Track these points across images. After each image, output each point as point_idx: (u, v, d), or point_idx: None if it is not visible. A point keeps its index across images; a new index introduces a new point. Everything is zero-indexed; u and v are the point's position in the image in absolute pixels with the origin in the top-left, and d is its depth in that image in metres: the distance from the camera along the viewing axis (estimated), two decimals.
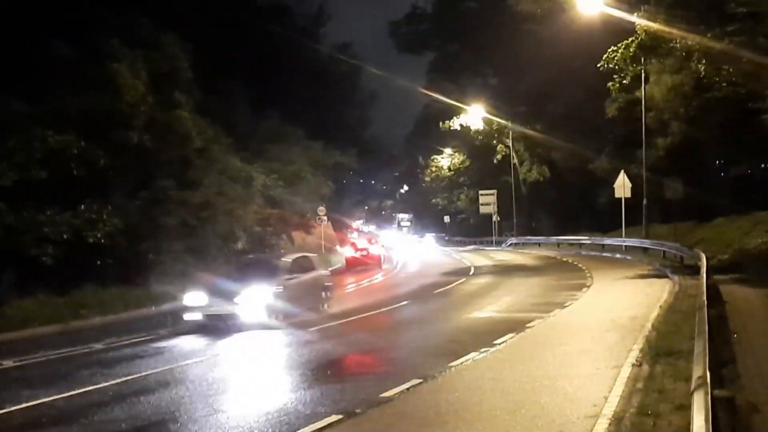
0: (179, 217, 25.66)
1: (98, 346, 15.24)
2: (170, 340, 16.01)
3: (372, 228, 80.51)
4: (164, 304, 22.58)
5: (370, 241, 42.40)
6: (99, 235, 22.06)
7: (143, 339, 16.07)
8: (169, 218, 25.08)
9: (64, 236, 21.10)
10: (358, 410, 8.41)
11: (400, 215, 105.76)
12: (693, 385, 6.02)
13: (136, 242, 24.18)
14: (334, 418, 8.08)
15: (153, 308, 21.57)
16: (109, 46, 23.26)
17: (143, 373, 11.67)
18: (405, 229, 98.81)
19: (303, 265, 19.57)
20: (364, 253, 40.09)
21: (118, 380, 11.17)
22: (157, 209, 24.70)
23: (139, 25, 25.42)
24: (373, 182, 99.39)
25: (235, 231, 30.66)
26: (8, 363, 13.39)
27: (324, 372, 11.14)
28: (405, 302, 21.14)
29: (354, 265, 38.47)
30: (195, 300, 17.06)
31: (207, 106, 29.31)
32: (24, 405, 9.71)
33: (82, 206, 22.00)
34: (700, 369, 6.27)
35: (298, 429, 7.68)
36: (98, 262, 23.06)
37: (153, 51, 25.28)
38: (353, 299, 23.39)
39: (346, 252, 41.71)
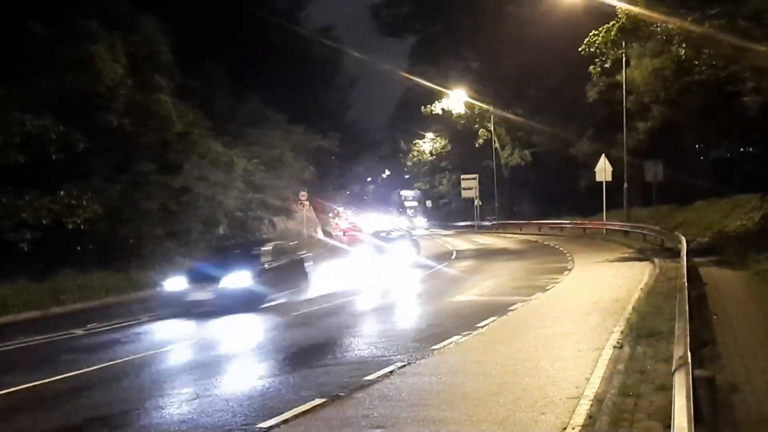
0: (160, 201, 25.52)
1: (78, 331, 15.18)
2: (151, 324, 15.97)
3: (362, 213, 77.07)
4: (145, 289, 22.53)
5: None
6: (78, 221, 21.86)
7: (124, 324, 16.01)
8: (150, 202, 24.92)
9: (43, 221, 20.91)
10: (341, 393, 8.42)
11: (404, 192, 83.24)
12: (674, 365, 6.07)
13: (116, 227, 24.01)
14: (317, 401, 8.09)
15: (134, 294, 21.52)
16: (87, 27, 22.93)
17: (124, 359, 11.63)
18: (411, 212, 76.30)
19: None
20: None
21: (100, 365, 11.12)
22: (137, 193, 24.54)
23: (117, 6, 25.09)
24: (355, 167, 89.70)
25: (216, 216, 30.53)
26: None
27: (307, 356, 11.13)
28: (387, 286, 21.19)
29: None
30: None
31: (187, 89, 29.05)
32: (4, 391, 9.65)
33: (62, 191, 21.76)
34: (681, 349, 6.33)
35: (282, 412, 7.66)
36: (78, 248, 22.93)
37: (132, 33, 24.97)
38: (335, 284, 23.37)
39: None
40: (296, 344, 12.29)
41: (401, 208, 76.33)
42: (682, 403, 4.57)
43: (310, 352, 11.43)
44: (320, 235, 56.41)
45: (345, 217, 67.55)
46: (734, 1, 18.12)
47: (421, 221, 69.15)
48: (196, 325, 15.28)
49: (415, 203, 75.08)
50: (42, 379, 10.21)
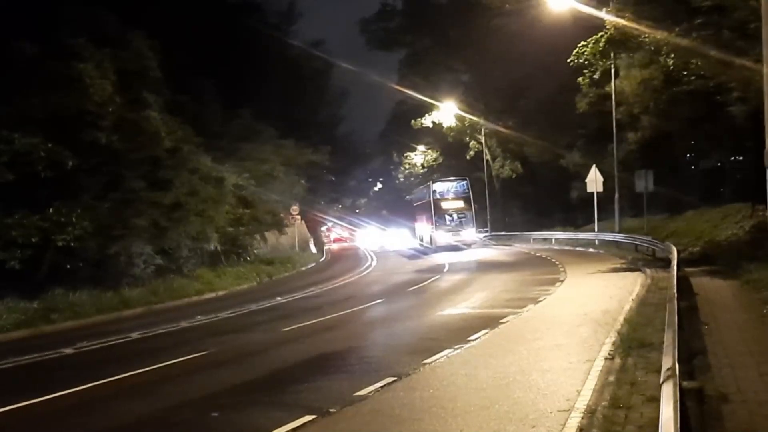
0: (150, 218, 25.49)
1: (68, 350, 15.13)
2: (144, 344, 15.94)
3: (355, 226, 77.56)
4: (136, 307, 22.52)
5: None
6: (68, 238, 21.86)
7: (114, 342, 15.98)
8: (140, 219, 24.88)
9: (33, 239, 20.88)
10: (332, 409, 8.41)
11: (439, 186, 46.40)
12: (662, 376, 6.09)
13: (106, 244, 23.97)
14: (308, 417, 8.07)
15: (125, 312, 21.51)
16: (75, 44, 22.94)
17: (114, 378, 11.59)
18: (452, 223, 44.16)
19: None
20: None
21: (91, 384, 11.07)
22: (127, 210, 24.47)
23: (105, 23, 25.08)
24: (347, 180, 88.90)
25: (207, 231, 30.52)
26: None
27: (298, 371, 11.11)
28: (379, 300, 21.18)
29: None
30: None
31: (177, 104, 29.06)
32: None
33: (51, 209, 21.74)
34: (669, 361, 6.35)
35: (272, 429, 7.64)
36: (68, 266, 22.81)
37: (120, 49, 24.99)
38: (328, 298, 23.38)
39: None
40: (288, 359, 12.26)
41: (436, 216, 44.27)
42: (669, 415, 4.60)
43: (302, 368, 11.38)
44: (313, 248, 56.56)
45: (335, 231, 73.84)
46: (719, 11, 18.26)
47: (473, 234, 45.39)
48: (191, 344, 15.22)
49: (462, 203, 44.90)
50: (35, 398, 10.18)
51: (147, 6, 30.06)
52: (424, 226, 48.15)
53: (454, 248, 41.87)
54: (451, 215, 44.39)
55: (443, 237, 43.59)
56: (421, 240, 49.43)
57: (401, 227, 61.90)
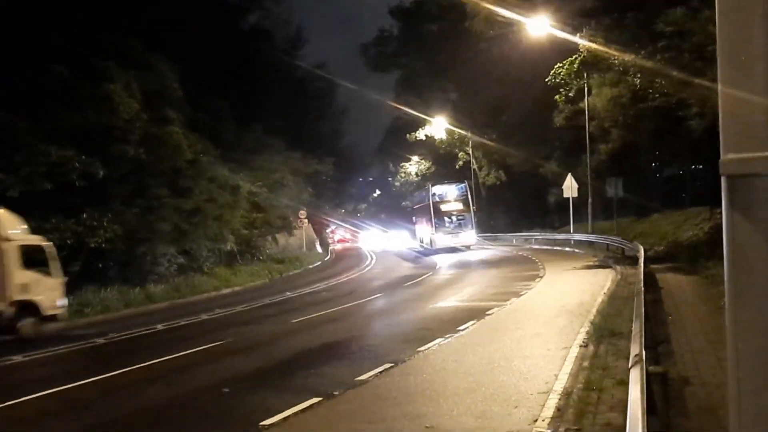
0: (173, 222, 25.54)
1: (100, 341, 15.14)
2: (168, 335, 15.92)
3: (356, 228, 76.94)
4: (161, 302, 22.54)
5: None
6: (100, 240, 21.90)
7: (141, 333, 16.00)
8: (164, 223, 24.95)
9: (68, 242, 20.86)
10: (336, 392, 8.42)
11: (439, 189, 43.08)
12: (630, 362, 6.10)
13: (133, 246, 24.05)
14: (314, 399, 8.08)
15: (151, 306, 21.53)
16: (105, 67, 23.03)
17: (143, 365, 11.59)
18: (451, 225, 41.15)
19: None
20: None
21: (121, 370, 11.07)
22: (152, 215, 24.56)
23: (132, 48, 25.15)
24: (348, 188, 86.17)
25: (224, 234, 30.55)
26: (17, 358, 13.21)
27: (306, 358, 11.11)
28: (378, 294, 21.18)
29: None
30: None
31: (196, 120, 29.15)
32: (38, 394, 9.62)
33: (84, 214, 21.79)
34: (636, 348, 6.35)
35: (281, 411, 7.65)
36: (100, 265, 22.85)
37: (145, 71, 25.07)
38: (332, 293, 23.37)
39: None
40: (296, 347, 12.25)
41: (436, 218, 41.11)
42: (636, 396, 4.60)
43: (308, 355, 11.38)
44: (319, 249, 56.57)
45: (338, 232, 73.03)
46: (680, 35, 18.30)
47: (472, 236, 41.95)
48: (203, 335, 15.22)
49: (461, 206, 41.63)
50: (76, 382, 10.20)
51: (169, 33, 30.08)
52: (424, 228, 45.08)
53: (452, 250, 39.43)
54: (450, 217, 41.33)
55: (443, 239, 40.63)
56: (422, 242, 46.60)
57: (402, 229, 61.54)
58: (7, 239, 15.56)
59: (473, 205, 43.00)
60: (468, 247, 40.38)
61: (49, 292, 16.28)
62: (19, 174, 20.09)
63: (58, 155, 20.94)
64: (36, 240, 16.72)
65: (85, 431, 7.94)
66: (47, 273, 16.36)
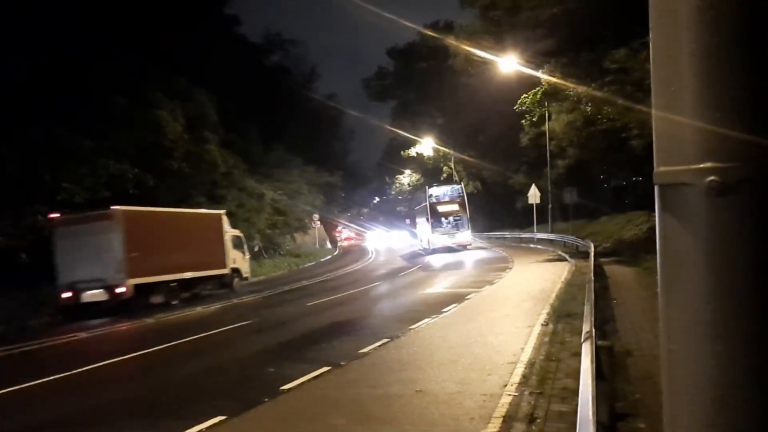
0: None
1: (150, 320, 15.10)
2: (203, 317, 15.85)
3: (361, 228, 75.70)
4: None
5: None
6: None
7: (182, 315, 15.93)
8: None
9: None
10: (342, 362, 8.39)
11: (436, 191, 38.44)
12: (582, 337, 6.09)
13: None
14: (325, 368, 8.06)
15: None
16: (155, 97, 23.07)
17: (186, 339, 11.53)
18: (448, 226, 36.40)
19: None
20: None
21: (166, 344, 11.03)
22: None
23: (177, 82, 25.18)
24: (354, 196, 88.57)
25: (251, 233, 30.53)
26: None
27: (318, 335, 11.08)
28: (378, 283, 21.14)
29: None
30: None
31: (229, 141, 29.20)
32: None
33: None
34: (587, 326, 6.34)
35: (297, 378, 7.62)
36: None
37: (188, 101, 25.09)
38: (340, 281, 23.33)
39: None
40: (309, 326, 12.21)
41: (433, 219, 36.30)
42: (587, 365, 4.59)
43: (320, 332, 11.35)
44: (329, 245, 56.52)
45: (345, 232, 71.38)
46: (623, 71, 18.34)
47: (467, 236, 36.94)
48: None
49: (456, 207, 36.77)
50: (132, 353, 10.14)
51: (208, 69, 30.10)
52: (422, 229, 39.51)
53: (447, 249, 34.52)
54: (447, 218, 36.04)
55: (440, 239, 35.60)
56: (422, 241, 40.57)
57: (402, 230, 60.98)
58: (226, 232, 21.12)
59: (468, 206, 38.07)
60: (464, 247, 35.60)
61: (244, 264, 22.23)
62: (83, 184, 20.06)
63: (116, 168, 20.92)
64: (236, 233, 22.31)
65: (149, 392, 7.90)
66: (243, 251, 22.27)
